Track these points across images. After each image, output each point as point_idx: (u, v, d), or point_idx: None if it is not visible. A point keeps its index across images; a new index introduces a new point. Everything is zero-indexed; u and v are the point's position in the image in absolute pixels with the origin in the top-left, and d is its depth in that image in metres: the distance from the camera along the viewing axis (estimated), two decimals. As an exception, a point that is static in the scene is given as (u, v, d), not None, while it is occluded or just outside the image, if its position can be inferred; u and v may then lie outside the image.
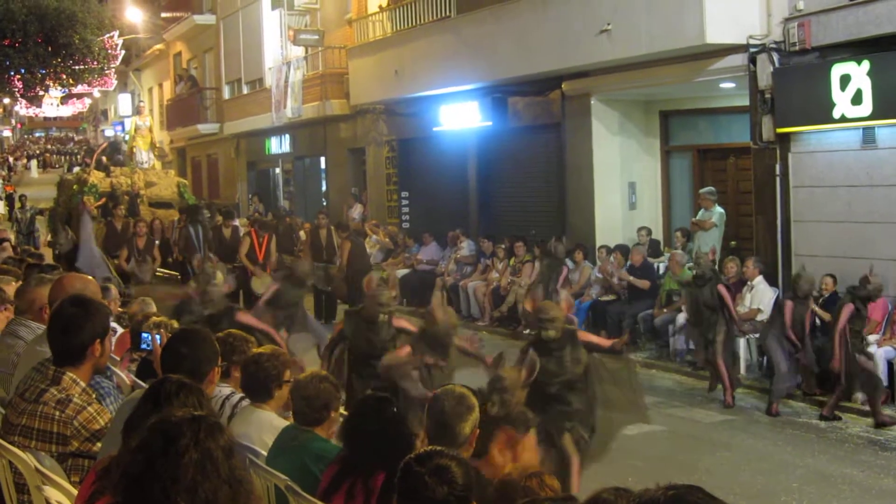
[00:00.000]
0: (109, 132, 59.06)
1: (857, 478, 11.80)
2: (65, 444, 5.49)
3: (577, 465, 9.69)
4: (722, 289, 15.23)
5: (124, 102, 58.75)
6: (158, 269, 21.61)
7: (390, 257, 26.53)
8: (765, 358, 15.74)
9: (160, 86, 53.47)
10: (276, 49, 36.29)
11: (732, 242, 19.20)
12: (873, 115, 15.06)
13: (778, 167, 16.93)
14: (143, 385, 6.44)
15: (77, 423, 5.50)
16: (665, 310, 18.01)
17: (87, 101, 61.83)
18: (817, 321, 15.43)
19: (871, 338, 14.42)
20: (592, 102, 21.31)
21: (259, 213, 30.99)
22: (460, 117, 24.78)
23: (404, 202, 29.21)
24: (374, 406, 5.92)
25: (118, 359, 8.81)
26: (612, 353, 10.67)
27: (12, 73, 34.25)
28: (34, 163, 76.41)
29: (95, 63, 35.45)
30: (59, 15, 32.14)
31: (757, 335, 15.89)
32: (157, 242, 22.48)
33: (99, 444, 5.44)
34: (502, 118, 23.57)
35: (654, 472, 10.03)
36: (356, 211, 29.77)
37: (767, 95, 16.70)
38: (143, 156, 28.97)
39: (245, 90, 40.24)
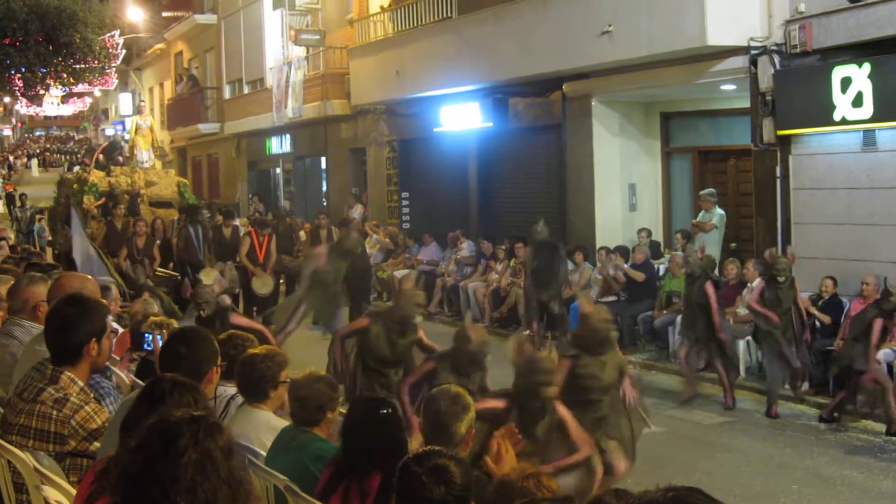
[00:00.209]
0: (110, 131, 59.07)
1: (857, 480, 11.80)
2: (62, 444, 5.48)
3: (624, 470, 9.61)
4: (709, 286, 15.17)
5: (125, 102, 58.77)
6: (158, 269, 21.56)
7: (390, 258, 26.53)
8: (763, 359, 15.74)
9: (161, 85, 53.48)
10: (278, 49, 36.30)
11: (733, 244, 19.21)
12: (874, 118, 15.07)
13: (778, 169, 16.93)
14: (142, 385, 6.44)
15: (74, 423, 5.50)
16: (665, 311, 18.02)
17: (88, 100, 61.88)
18: (817, 324, 15.46)
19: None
20: (593, 104, 21.33)
21: (259, 213, 30.96)
22: (461, 118, 24.78)
23: (405, 203, 29.21)
24: (369, 408, 5.92)
25: (118, 359, 8.81)
26: None
27: (13, 72, 34.28)
28: (34, 162, 76.44)
29: (96, 62, 35.49)
30: (60, 14, 32.18)
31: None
32: (157, 242, 22.43)
33: (97, 444, 5.44)
34: (503, 119, 23.57)
35: (654, 474, 10.07)
36: (356, 211, 29.76)
37: (768, 97, 16.71)
38: (144, 155, 28.90)
39: (246, 90, 40.24)
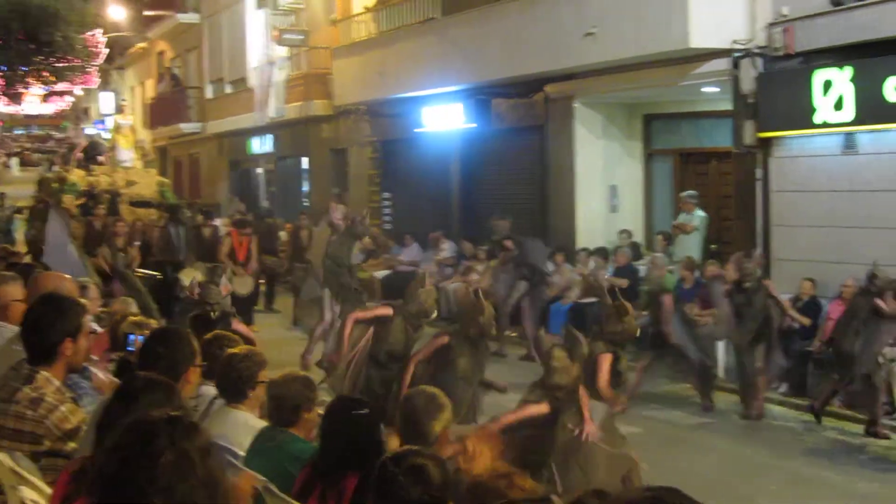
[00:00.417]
0: (91, 131, 58.88)
1: (836, 481, 11.83)
2: (37, 443, 5.45)
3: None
4: (667, 299, 15.22)
5: (106, 101, 58.52)
6: (137, 269, 21.49)
7: (371, 258, 26.49)
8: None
9: (143, 84, 53.29)
10: (260, 49, 36.18)
11: (713, 246, 19.24)
12: (855, 121, 15.13)
13: (759, 172, 16.98)
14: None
15: (49, 423, 5.47)
16: (645, 312, 18.01)
17: (69, 98, 61.66)
18: (795, 325, 15.49)
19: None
20: (576, 105, 21.34)
21: (241, 213, 30.92)
22: (443, 119, 24.78)
23: (386, 203, 29.21)
24: (345, 408, 5.90)
25: (96, 359, 8.77)
26: None
27: (-6, 71, 34.21)
28: (14, 161, 76.04)
29: (78, 61, 35.42)
30: (42, 12, 32.13)
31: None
32: (137, 243, 22.36)
33: (72, 444, 5.41)
34: (485, 120, 23.59)
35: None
36: (338, 213, 29.68)
37: (750, 100, 16.76)
38: (125, 154, 28.90)
39: (228, 90, 40.16)
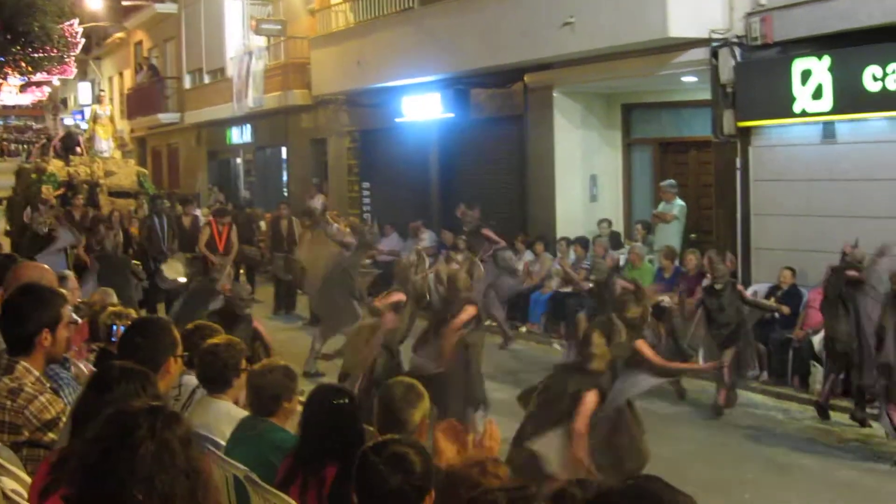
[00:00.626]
0: (69, 121, 58.58)
1: (815, 469, 11.88)
2: (16, 434, 5.43)
3: None
4: (618, 284, 15.24)
5: (84, 91, 58.25)
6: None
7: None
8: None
9: (121, 74, 53.10)
10: (238, 38, 36.07)
11: (693, 235, 19.27)
12: (833, 110, 15.18)
13: (739, 161, 17.01)
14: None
15: (28, 413, 5.45)
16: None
17: (47, 89, 61.35)
18: (776, 315, 15.55)
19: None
20: (555, 95, 21.35)
21: (220, 203, 30.87)
22: (422, 109, 24.73)
23: (365, 193, 29.18)
24: (326, 398, 5.89)
25: (76, 349, 8.74)
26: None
27: (-30, 62, 33.97)
28: (-8, 151, 75.62)
29: (55, 51, 35.17)
30: (19, 2, 31.83)
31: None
32: (115, 234, 22.24)
33: (51, 434, 5.40)
34: (464, 110, 23.56)
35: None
36: (317, 201, 29.68)
37: (729, 89, 16.79)
38: (103, 145, 28.74)
39: (206, 80, 40.07)
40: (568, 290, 19.09)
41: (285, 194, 33.54)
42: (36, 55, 34.45)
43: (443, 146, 25.55)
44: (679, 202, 18.96)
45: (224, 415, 6.64)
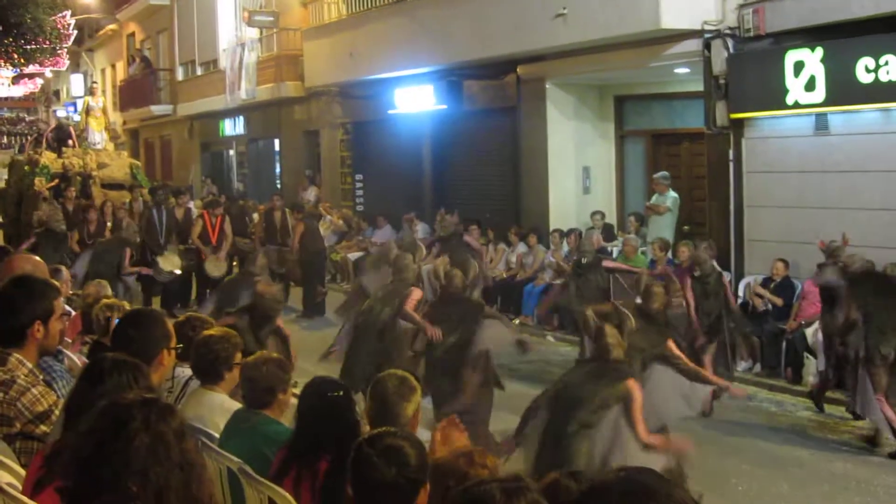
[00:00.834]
0: (62, 113, 58.48)
1: (808, 460, 11.89)
2: (8, 426, 5.43)
3: None
4: (608, 263, 15.20)
5: (77, 83, 58.15)
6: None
7: (344, 240, 26.50)
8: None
9: (113, 66, 52.98)
10: (231, 30, 36.04)
11: (686, 227, 19.29)
12: (826, 102, 15.17)
13: (731, 152, 17.01)
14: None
15: (20, 405, 5.44)
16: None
17: (39, 81, 61.23)
18: (769, 306, 15.57)
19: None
20: (547, 86, 21.34)
21: (213, 195, 30.84)
22: (415, 100, 24.71)
23: (358, 185, 29.17)
24: (320, 390, 5.89)
25: (70, 341, 8.74)
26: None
27: (-38, 54, 33.85)
28: (-16, 143, 75.49)
29: (47, 43, 35.06)
30: (11, -6, 31.76)
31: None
32: (108, 224, 22.21)
33: (43, 427, 5.39)
34: (457, 102, 23.53)
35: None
36: (310, 193, 29.68)
37: (722, 81, 16.77)
38: (96, 137, 28.67)
39: (199, 71, 39.99)
40: (561, 281, 19.09)
41: (278, 186, 33.55)
42: (28, 47, 34.33)
43: (435, 138, 25.53)
44: (672, 194, 18.96)
45: (218, 407, 6.64)
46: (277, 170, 35.47)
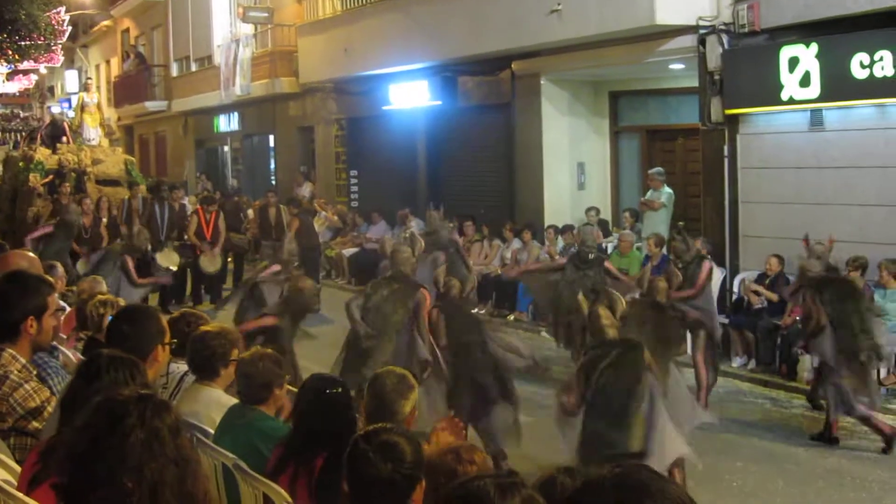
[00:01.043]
0: (56, 109, 58.46)
1: (802, 457, 11.90)
2: (1, 421, 5.43)
3: None
4: (609, 266, 15.20)
5: (71, 79, 58.10)
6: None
7: (339, 236, 26.49)
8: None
9: (108, 62, 52.95)
10: (225, 26, 36.01)
11: (680, 223, 19.24)
12: (821, 98, 15.16)
13: (726, 148, 16.99)
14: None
15: (13, 400, 5.44)
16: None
17: (34, 77, 61.18)
18: (765, 302, 15.58)
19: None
20: (542, 82, 21.33)
21: (208, 191, 30.83)
22: (410, 96, 24.70)
23: (353, 181, 29.17)
24: (317, 387, 5.88)
25: (65, 337, 8.73)
26: None
27: (-43, 50, 33.81)
28: (-21, 139, 75.38)
29: (42, 39, 35.03)
30: (5, -10, 31.70)
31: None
32: (104, 220, 22.21)
33: (35, 423, 5.39)
34: (452, 97, 23.53)
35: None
36: (305, 189, 29.66)
37: (716, 77, 16.76)
38: (91, 133, 28.62)
39: (193, 67, 39.97)
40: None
41: (273, 182, 33.53)
42: (22, 43, 34.29)
43: (430, 134, 25.53)
44: (667, 190, 18.97)
45: (214, 403, 6.63)
46: (272, 166, 35.45)
